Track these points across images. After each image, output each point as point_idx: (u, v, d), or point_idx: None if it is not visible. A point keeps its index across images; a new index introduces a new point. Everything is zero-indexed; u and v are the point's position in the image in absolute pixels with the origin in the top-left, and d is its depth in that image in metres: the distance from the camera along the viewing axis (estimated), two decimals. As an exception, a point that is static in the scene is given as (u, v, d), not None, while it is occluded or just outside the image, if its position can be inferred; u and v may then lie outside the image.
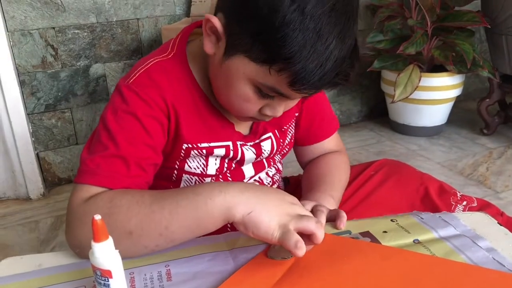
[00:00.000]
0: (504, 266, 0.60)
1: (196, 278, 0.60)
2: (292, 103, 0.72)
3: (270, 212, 0.58)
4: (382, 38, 1.94)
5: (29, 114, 1.64)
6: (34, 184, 1.66)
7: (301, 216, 0.59)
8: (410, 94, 1.84)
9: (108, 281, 0.53)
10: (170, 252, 0.66)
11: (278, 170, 0.92)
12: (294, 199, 0.64)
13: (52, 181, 1.74)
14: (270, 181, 0.89)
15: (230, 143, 0.78)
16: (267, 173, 0.88)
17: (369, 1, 2.03)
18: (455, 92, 2.03)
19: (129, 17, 1.69)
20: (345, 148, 0.97)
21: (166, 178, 0.79)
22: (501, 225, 0.71)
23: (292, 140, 0.91)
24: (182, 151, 0.75)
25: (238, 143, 0.79)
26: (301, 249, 0.56)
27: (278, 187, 0.93)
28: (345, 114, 2.34)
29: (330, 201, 0.78)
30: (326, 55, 0.59)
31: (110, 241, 0.53)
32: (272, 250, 0.64)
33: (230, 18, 0.65)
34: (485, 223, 0.72)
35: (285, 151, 0.90)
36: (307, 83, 0.61)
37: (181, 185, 0.80)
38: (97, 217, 0.51)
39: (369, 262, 0.62)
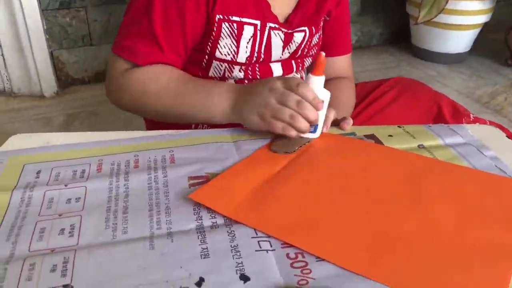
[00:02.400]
0: (506, 173, 0.60)
1: (198, 162, 0.61)
2: None
3: (249, 107, 0.65)
4: (413, -47, 1.83)
5: (43, 11, 1.61)
6: (48, 82, 1.67)
7: (278, 107, 0.62)
8: (435, 16, 1.76)
9: None
10: (174, 140, 0.67)
11: (302, 78, 0.91)
12: (278, 81, 0.64)
13: (66, 81, 1.75)
14: None
15: (258, 22, 0.77)
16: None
17: None
18: (483, 18, 1.94)
19: None
20: (353, 75, 0.97)
21: (197, 64, 0.80)
22: (510, 138, 0.71)
23: (320, 42, 0.89)
24: (215, 24, 0.74)
25: (269, 24, 0.78)
26: (290, 130, 0.63)
27: None
28: (367, 35, 2.26)
29: None
30: None
31: (323, 78, 0.63)
32: (275, 145, 0.65)
33: None
34: (493, 135, 0.71)
35: (312, 52, 0.88)
36: None
37: (210, 72, 0.80)
38: (323, 54, 0.62)
39: (371, 161, 0.62)
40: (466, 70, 1.99)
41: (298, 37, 0.82)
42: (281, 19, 0.80)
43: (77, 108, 1.56)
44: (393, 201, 0.53)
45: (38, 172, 0.59)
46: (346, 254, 0.45)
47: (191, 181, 0.57)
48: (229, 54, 0.78)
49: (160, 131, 0.70)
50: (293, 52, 0.84)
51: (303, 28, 0.83)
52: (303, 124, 0.62)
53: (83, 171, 0.59)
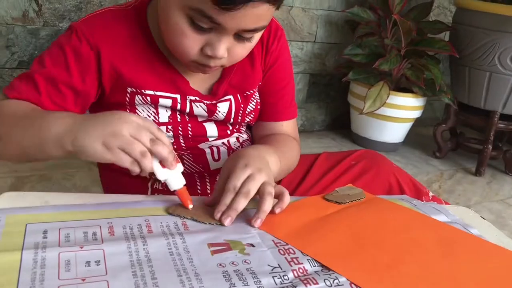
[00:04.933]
0: (494, 250, 0.66)
1: (213, 230, 0.61)
2: (238, 48, 0.71)
3: (92, 135, 0.58)
4: (359, 52, 2.04)
5: (0, 68, 1.55)
6: (-6, 142, 1.57)
7: (130, 140, 0.58)
8: (379, 108, 1.94)
9: None
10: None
11: (249, 138, 0.93)
12: (133, 116, 0.61)
13: (12, 142, 1.65)
14: (238, 146, 0.89)
15: (178, 96, 0.79)
16: (237, 138, 0.89)
17: (349, 16, 2.12)
18: (416, 114, 2.16)
19: (120, -13, 1.66)
20: (299, 140, 0.96)
21: None
22: (483, 218, 0.78)
23: (258, 107, 0.89)
24: (128, 95, 0.77)
25: (189, 97, 0.79)
26: (136, 167, 0.58)
27: None
28: (310, 121, 2.41)
29: (275, 160, 0.76)
30: None
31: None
32: (329, 195, 0.75)
33: None
34: (470, 216, 0.79)
35: (249, 119, 0.89)
36: None
37: None
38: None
39: (408, 226, 0.69)
40: (401, 159, 2.18)
41: (222, 107, 0.83)
42: (204, 91, 0.82)
43: (26, 171, 1.47)
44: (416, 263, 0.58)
45: (45, 232, 0.56)
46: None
47: (212, 248, 0.57)
48: (149, 117, 0.79)
49: (165, 196, 0.69)
50: (225, 119, 0.84)
51: (228, 97, 0.83)
52: (149, 164, 0.59)
53: (95, 233, 0.57)
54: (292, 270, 0.54)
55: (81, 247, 0.53)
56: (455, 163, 2.20)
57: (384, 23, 2.07)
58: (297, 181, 0.94)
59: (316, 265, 0.56)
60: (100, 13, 0.78)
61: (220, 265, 0.53)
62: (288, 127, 0.93)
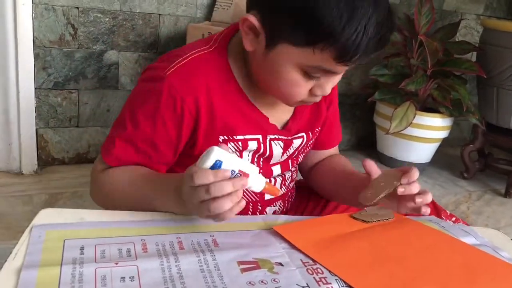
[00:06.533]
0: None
1: (242, 248, 0.62)
2: (337, 78, 0.75)
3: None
4: (385, 72, 2.04)
5: (36, 89, 1.62)
6: (29, 159, 1.64)
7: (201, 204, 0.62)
8: (405, 128, 1.93)
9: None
10: (213, 224, 0.68)
11: (296, 169, 0.96)
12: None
13: (46, 160, 1.72)
14: (290, 176, 0.92)
15: (260, 136, 0.81)
16: (290, 171, 0.92)
17: (374, 37, 2.13)
18: (443, 134, 2.14)
19: (152, 11, 1.72)
20: None
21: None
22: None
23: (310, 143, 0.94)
24: (219, 144, 0.76)
25: (269, 136, 0.82)
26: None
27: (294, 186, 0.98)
28: (335, 140, 2.41)
29: None
30: (365, 22, 0.62)
31: None
32: (358, 213, 0.75)
33: (264, 12, 0.69)
34: (500, 238, 0.78)
35: (303, 155, 0.93)
36: (354, 54, 0.64)
37: None
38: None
39: (432, 248, 0.69)
40: (428, 179, 2.15)
41: (296, 143, 0.87)
42: (279, 126, 0.84)
43: (59, 188, 1.53)
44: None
45: (82, 248, 0.58)
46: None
47: (242, 266, 0.58)
48: None
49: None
50: (291, 155, 0.88)
51: (301, 134, 0.87)
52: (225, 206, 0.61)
53: (129, 250, 0.59)
54: (321, 290, 0.55)
55: (116, 263, 0.56)
56: (483, 184, 2.16)
57: (410, 43, 2.08)
58: (322, 204, 0.98)
59: (344, 285, 0.57)
60: (190, 61, 0.75)
61: (249, 283, 0.55)
62: (335, 148, 1.02)
